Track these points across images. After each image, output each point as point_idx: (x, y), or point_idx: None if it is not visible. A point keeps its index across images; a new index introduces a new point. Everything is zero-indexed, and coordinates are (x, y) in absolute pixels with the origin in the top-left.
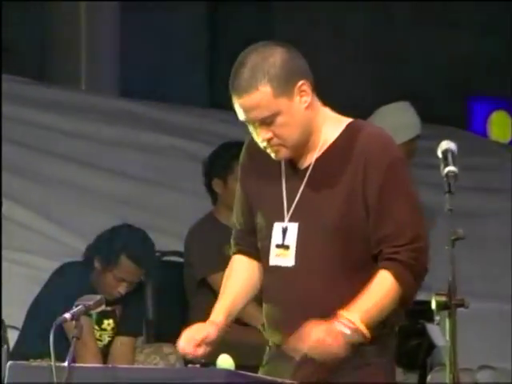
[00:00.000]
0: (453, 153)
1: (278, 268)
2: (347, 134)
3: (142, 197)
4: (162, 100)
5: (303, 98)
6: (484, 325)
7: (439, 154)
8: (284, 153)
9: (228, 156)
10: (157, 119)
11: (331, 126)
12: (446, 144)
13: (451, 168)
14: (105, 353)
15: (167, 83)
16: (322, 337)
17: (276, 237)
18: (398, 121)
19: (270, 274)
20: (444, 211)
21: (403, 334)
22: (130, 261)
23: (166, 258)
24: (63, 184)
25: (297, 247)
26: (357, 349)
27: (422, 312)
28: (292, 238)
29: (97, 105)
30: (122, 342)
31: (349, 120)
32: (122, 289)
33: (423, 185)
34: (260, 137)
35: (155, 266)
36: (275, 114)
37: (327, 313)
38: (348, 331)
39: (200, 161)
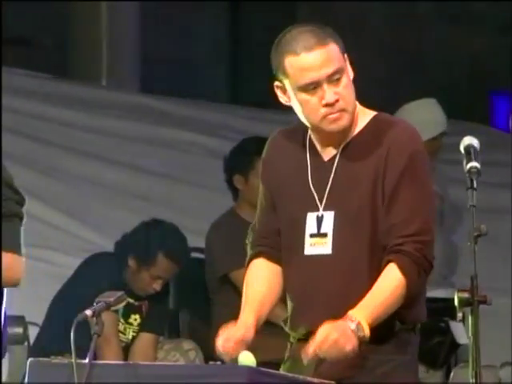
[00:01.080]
0: (475, 149)
1: (314, 257)
2: (373, 125)
3: (162, 193)
4: (184, 96)
5: (350, 69)
6: (507, 321)
7: (462, 150)
8: (346, 119)
9: (249, 152)
10: (178, 115)
11: (359, 116)
12: (468, 140)
13: (474, 164)
14: (127, 348)
15: (189, 80)
16: (336, 337)
17: (310, 226)
18: (423, 117)
19: (303, 264)
20: (467, 207)
21: (426, 331)
22: (168, 259)
23: None
24: (84, 180)
25: (333, 235)
26: (375, 346)
27: (446, 309)
28: (329, 226)
29: (117, 101)
30: (146, 338)
31: (375, 112)
32: (157, 286)
33: (446, 180)
34: (328, 99)
35: (189, 262)
36: (342, 70)
37: (359, 302)
38: (357, 329)
39: (221, 157)
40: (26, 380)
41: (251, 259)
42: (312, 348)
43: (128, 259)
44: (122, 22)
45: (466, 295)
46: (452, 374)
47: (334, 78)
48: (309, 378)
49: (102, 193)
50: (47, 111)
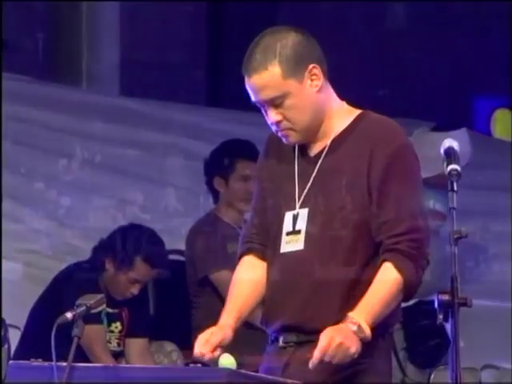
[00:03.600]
0: (455, 151)
1: (287, 254)
2: (357, 123)
3: (143, 195)
4: (163, 98)
5: (314, 82)
6: (488, 324)
7: (442, 153)
8: (294, 137)
9: (229, 154)
10: (157, 117)
11: (344, 115)
12: (448, 142)
13: (454, 166)
14: (115, 356)
15: (168, 82)
16: (340, 341)
17: (287, 225)
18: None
19: (279, 261)
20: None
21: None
22: (145, 263)
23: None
24: (65, 183)
25: (307, 231)
26: None
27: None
28: (302, 223)
29: (97, 103)
30: (138, 344)
31: (360, 111)
32: (134, 289)
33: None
34: (270, 119)
35: (166, 266)
36: (284, 96)
37: (333, 295)
38: (358, 331)
39: (201, 159)
40: (6, 382)
41: (241, 256)
42: (318, 352)
43: (105, 263)
44: (102, 24)
45: (446, 297)
46: (432, 376)
47: (275, 103)
48: (289, 381)
49: (83, 196)
50: (27, 113)
